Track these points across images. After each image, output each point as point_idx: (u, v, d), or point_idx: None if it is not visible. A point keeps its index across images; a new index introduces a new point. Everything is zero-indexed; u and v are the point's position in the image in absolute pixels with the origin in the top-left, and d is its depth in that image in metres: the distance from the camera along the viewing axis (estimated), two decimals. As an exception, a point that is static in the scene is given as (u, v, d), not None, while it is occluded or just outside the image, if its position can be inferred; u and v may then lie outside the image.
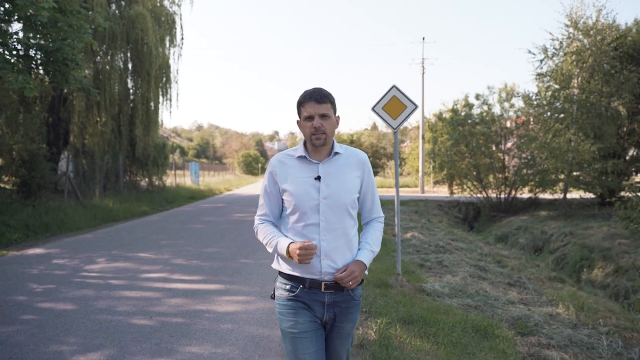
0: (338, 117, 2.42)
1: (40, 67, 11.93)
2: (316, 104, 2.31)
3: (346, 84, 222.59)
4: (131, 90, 21.55)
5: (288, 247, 2.25)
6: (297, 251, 2.18)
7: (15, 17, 10.81)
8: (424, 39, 32.69)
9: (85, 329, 4.61)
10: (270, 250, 2.37)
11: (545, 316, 6.25)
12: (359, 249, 2.40)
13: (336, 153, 2.39)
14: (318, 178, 2.33)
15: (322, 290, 2.29)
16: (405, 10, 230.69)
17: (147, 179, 22.93)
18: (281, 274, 2.39)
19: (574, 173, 17.53)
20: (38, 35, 11.54)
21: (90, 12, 13.85)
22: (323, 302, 2.31)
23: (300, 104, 2.37)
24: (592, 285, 11.28)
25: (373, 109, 6.93)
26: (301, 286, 2.31)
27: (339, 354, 2.41)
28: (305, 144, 2.42)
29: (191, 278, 6.77)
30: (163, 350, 4.08)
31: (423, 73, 32.05)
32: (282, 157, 2.44)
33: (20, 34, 11.30)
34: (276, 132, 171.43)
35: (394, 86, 6.89)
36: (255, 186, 39.89)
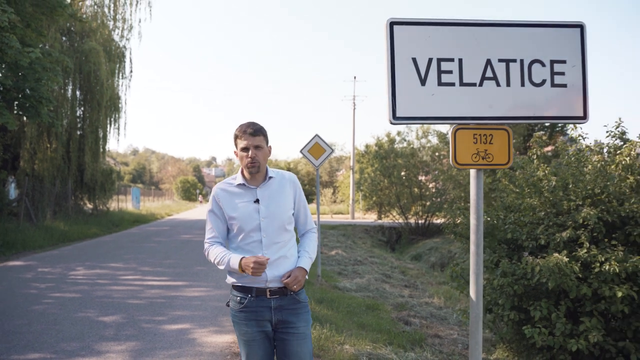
0: (270, 147, 2.75)
1: (14, 103, 13.58)
2: (251, 137, 2.62)
3: (287, 111, 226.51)
4: (81, 119, 22.94)
5: (240, 261, 2.56)
6: (251, 264, 2.49)
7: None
8: (355, 78, 35.85)
9: (97, 305, 6.65)
10: (222, 267, 2.68)
11: (421, 303, 8.78)
12: (299, 257, 2.73)
13: (270, 177, 2.72)
14: (257, 201, 2.67)
15: (268, 296, 2.62)
16: (341, 50, 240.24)
17: (93, 203, 24.25)
18: (233, 286, 2.72)
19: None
20: (12, 76, 13.26)
21: (58, 54, 15.63)
22: (270, 307, 2.62)
23: (237, 137, 2.67)
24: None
25: (301, 151, 9.35)
26: (249, 295, 2.64)
27: (300, 355, 2.64)
28: (242, 171, 2.73)
29: (161, 278, 8.83)
30: (159, 314, 6.22)
31: (354, 109, 35.19)
32: (224, 185, 2.77)
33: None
34: (214, 158, 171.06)
35: (316, 135, 9.36)
36: (194, 211, 41.29)
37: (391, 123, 2.64)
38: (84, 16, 20.83)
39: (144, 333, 5.40)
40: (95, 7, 23.50)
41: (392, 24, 2.63)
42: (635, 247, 4.98)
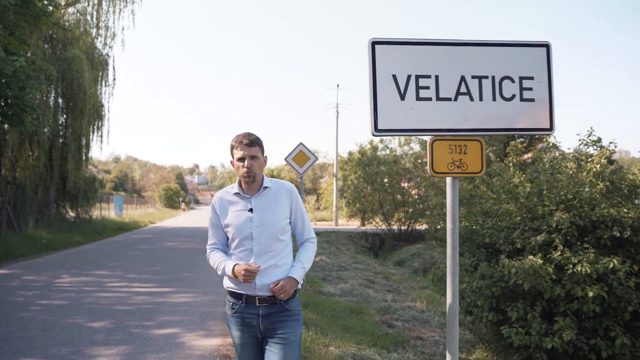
0: (266, 157, 2.83)
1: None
2: (247, 147, 2.70)
3: (270, 119, 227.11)
4: (63, 127, 22.82)
5: (233, 268, 2.66)
6: (242, 272, 2.58)
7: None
8: (338, 85, 36.19)
9: (85, 311, 6.72)
10: (219, 272, 2.79)
11: (404, 307, 8.98)
12: (292, 266, 2.76)
13: (265, 187, 2.78)
14: (251, 210, 2.74)
15: (257, 304, 2.69)
16: (324, 58, 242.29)
17: (75, 212, 24.09)
18: (228, 292, 2.81)
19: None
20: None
21: (41, 62, 15.62)
22: (258, 314, 2.69)
23: (233, 147, 2.76)
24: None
25: (285, 159, 9.53)
26: (240, 302, 2.72)
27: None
28: (239, 181, 2.82)
29: (147, 285, 8.91)
30: (147, 319, 6.33)
31: (337, 116, 35.46)
32: (222, 194, 2.87)
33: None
34: (196, 166, 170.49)
35: (300, 143, 9.55)
36: (177, 219, 41.10)
37: (373, 135, 2.89)
38: (67, 24, 20.80)
39: (133, 338, 5.51)
40: (78, 14, 23.40)
41: (374, 44, 2.88)
42: (605, 249, 5.25)
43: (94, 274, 10.17)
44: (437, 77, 2.93)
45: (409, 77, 2.91)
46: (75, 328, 5.89)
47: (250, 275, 2.57)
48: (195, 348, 5.19)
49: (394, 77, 2.89)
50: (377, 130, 2.89)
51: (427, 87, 2.94)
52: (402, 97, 2.89)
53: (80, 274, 10.19)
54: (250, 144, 2.70)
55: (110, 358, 4.84)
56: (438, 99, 2.94)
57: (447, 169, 2.95)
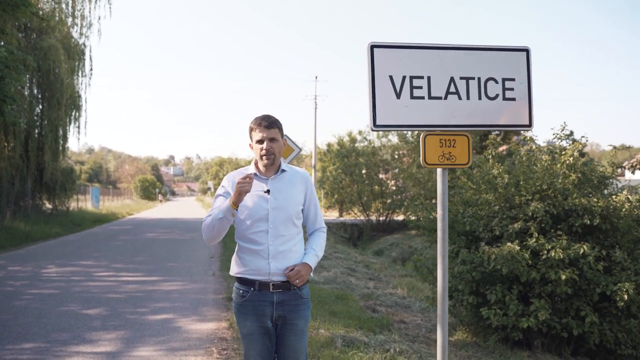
0: (285, 140, 2.81)
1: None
2: (266, 129, 2.66)
3: (248, 110, 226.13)
4: (39, 117, 22.53)
5: (230, 199, 2.58)
6: (238, 185, 2.51)
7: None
8: (316, 77, 36.35)
9: (78, 299, 6.88)
10: (218, 218, 2.61)
11: (386, 293, 9.33)
12: (305, 253, 2.73)
13: (283, 170, 2.75)
14: (267, 191, 2.68)
15: (271, 290, 2.62)
16: (301, 48, 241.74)
17: (52, 203, 23.87)
18: (237, 279, 2.73)
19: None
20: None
21: (17, 52, 15.44)
22: (272, 302, 2.62)
23: (252, 129, 2.71)
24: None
25: (271, 151, 9.77)
26: (252, 288, 2.64)
27: (297, 350, 2.69)
28: (256, 163, 2.77)
29: (135, 274, 9.07)
30: (140, 306, 6.52)
31: (315, 108, 35.60)
32: (237, 173, 2.80)
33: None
34: (172, 157, 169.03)
35: (285, 135, 9.78)
36: (155, 210, 40.94)
37: (372, 130, 3.21)
38: (41, 12, 20.47)
39: (130, 323, 5.71)
40: (53, 3, 23.00)
41: (373, 47, 3.19)
42: (577, 236, 5.65)
43: (80, 264, 10.25)
44: (429, 78, 3.24)
45: (404, 77, 3.22)
46: (71, 315, 6.05)
47: (246, 183, 2.51)
48: (192, 332, 5.42)
49: (391, 77, 3.20)
50: (375, 125, 3.21)
51: (420, 87, 3.25)
52: (398, 95, 3.20)
53: (66, 264, 10.26)
54: (269, 125, 2.67)
55: (111, 342, 5.04)
56: (430, 97, 3.25)
57: (438, 161, 3.26)
